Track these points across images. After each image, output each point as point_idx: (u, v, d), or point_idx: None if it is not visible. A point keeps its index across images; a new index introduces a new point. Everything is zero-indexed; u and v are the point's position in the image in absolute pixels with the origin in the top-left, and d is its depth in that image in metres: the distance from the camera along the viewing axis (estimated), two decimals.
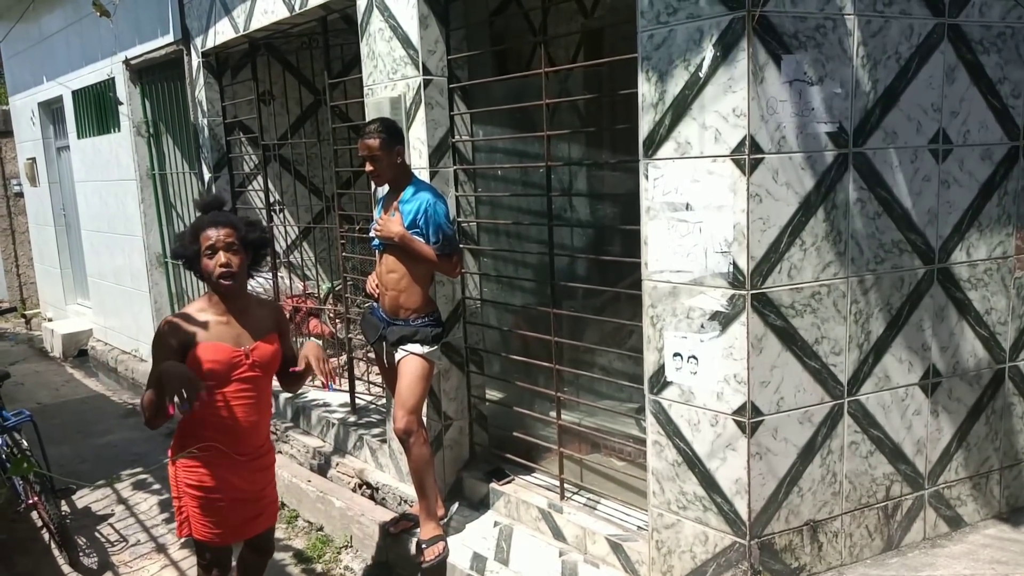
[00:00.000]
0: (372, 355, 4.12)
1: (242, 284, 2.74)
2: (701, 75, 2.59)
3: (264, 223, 5.49)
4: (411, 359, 3.43)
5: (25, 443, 4.25)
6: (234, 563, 3.04)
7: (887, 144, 2.81)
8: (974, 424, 3.19)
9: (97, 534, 4.39)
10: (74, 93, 7.72)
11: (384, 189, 3.59)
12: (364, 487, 4.29)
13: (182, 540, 4.23)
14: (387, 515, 3.93)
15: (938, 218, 2.97)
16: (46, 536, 4.27)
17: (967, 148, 3.00)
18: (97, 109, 7.36)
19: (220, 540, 2.82)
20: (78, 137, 7.90)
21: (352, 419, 4.76)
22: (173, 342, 2.62)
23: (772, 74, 2.54)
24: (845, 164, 2.72)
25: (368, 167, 3.43)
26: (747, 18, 2.47)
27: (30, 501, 4.04)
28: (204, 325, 2.67)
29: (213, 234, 2.64)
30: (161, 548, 4.21)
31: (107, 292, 7.95)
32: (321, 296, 5.76)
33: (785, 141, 2.59)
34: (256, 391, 2.75)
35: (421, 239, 3.38)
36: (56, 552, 4.16)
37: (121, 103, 6.65)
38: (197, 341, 2.64)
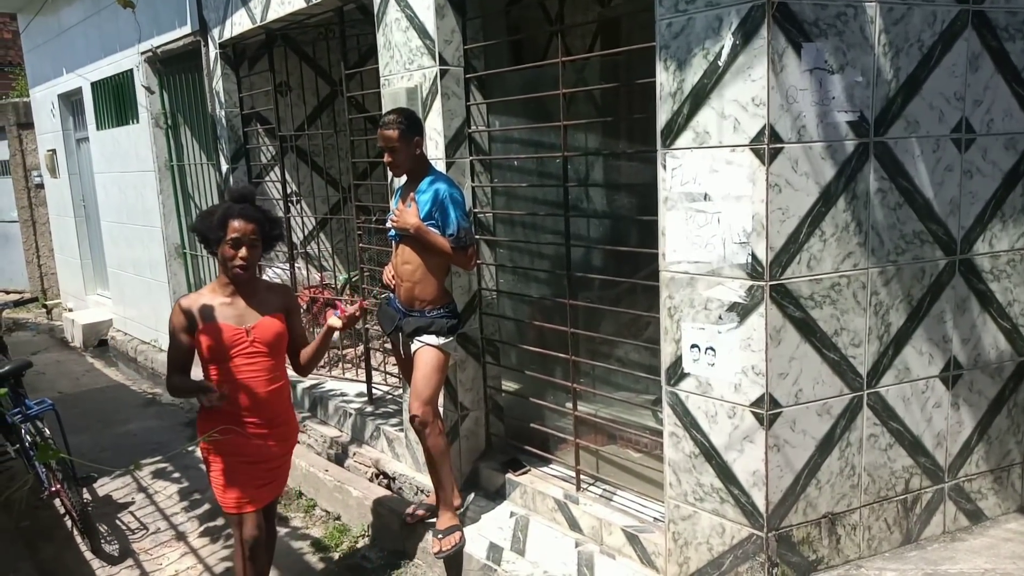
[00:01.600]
0: (389, 345, 4.13)
1: (253, 272, 3.00)
2: (720, 64, 2.57)
3: (281, 214, 5.52)
4: (427, 350, 3.44)
5: (47, 431, 4.30)
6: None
7: (909, 133, 2.77)
8: (995, 417, 3.15)
9: (118, 521, 4.45)
10: (93, 85, 7.78)
11: (401, 180, 3.59)
12: (381, 477, 4.31)
13: (201, 528, 4.30)
14: (404, 505, 3.95)
15: (960, 208, 2.93)
16: (68, 523, 4.33)
17: (990, 137, 2.95)
18: (116, 100, 7.41)
19: (247, 500, 2.98)
20: (97, 128, 7.96)
21: (369, 409, 4.78)
22: (183, 323, 2.91)
23: (792, 62, 2.51)
24: (866, 154, 2.69)
25: (387, 158, 3.43)
26: (767, 5, 2.44)
27: (53, 489, 4.09)
28: (210, 307, 2.92)
29: (240, 227, 2.87)
30: (181, 536, 4.25)
31: (126, 282, 8.02)
32: (338, 287, 5.78)
33: (805, 130, 2.56)
34: (263, 366, 2.97)
35: (437, 230, 3.38)
36: (78, 539, 4.22)
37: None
38: (203, 321, 2.91)
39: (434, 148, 3.71)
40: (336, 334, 3.18)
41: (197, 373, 2.98)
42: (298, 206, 5.83)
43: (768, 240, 2.56)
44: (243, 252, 2.86)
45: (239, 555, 3.02)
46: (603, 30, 4.08)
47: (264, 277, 3.17)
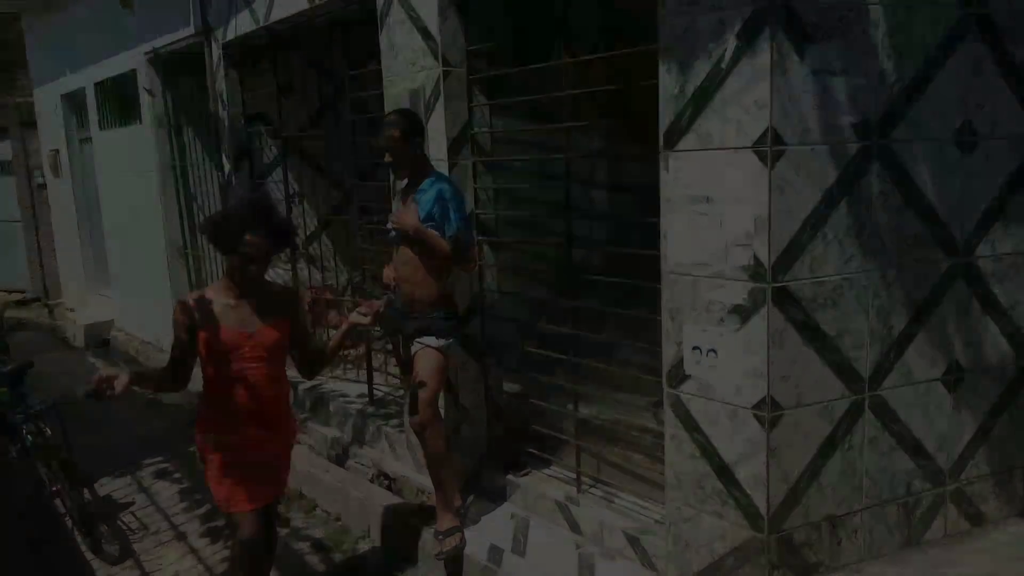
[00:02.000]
0: (390, 347, 4.13)
1: (260, 280, 2.98)
2: (723, 66, 2.57)
3: (284, 214, 5.52)
4: (427, 352, 3.43)
5: (49, 431, 4.30)
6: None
7: (912, 136, 2.77)
8: (997, 420, 3.15)
9: (119, 522, 4.44)
10: (96, 85, 7.79)
11: (404, 181, 3.59)
12: (382, 477, 4.31)
13: (202, 528, 4.29)
14: (405, 506, 3.95)
15: (963, 211, 2.93)
16: (69, 523, 4.33)
17: (993, 140, 2.95)
18: (119, 101, 7.42)
19: (244, 500, 2.96)
20: (100, 129, 7.97)
21: (370, 410, 4.78)
22: (184, 321, 2.89)
23: (795, 65, 2.51)
24: (869, 156, 2.69)
25: (387, 158, 3.43)
26: (770, 8, 2.45)
27: (54, 488, 4.09)
28: (213, 308, 2.90)
29: (255, 242, 2.85)
30: (181, 536, 4.25)
31: (128, 282, 8.03)
32: (340, 287, 5.78)
33: (808, 133, 2.56)
34: (263, 370, 2.95)
35: (436, 232, 3.37)
36: (79, 539, 4.21)
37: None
38: (205, 321, 2.88)
39: (437, 149, 3.72)
40: None
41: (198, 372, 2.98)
42: (300, 207, 5.83)
43: (771, 242, 2.55)
44: (254, 264, 2.87)
45: (237, 555, 3.00)
46: (606, 32, 4.08)
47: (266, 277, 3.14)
